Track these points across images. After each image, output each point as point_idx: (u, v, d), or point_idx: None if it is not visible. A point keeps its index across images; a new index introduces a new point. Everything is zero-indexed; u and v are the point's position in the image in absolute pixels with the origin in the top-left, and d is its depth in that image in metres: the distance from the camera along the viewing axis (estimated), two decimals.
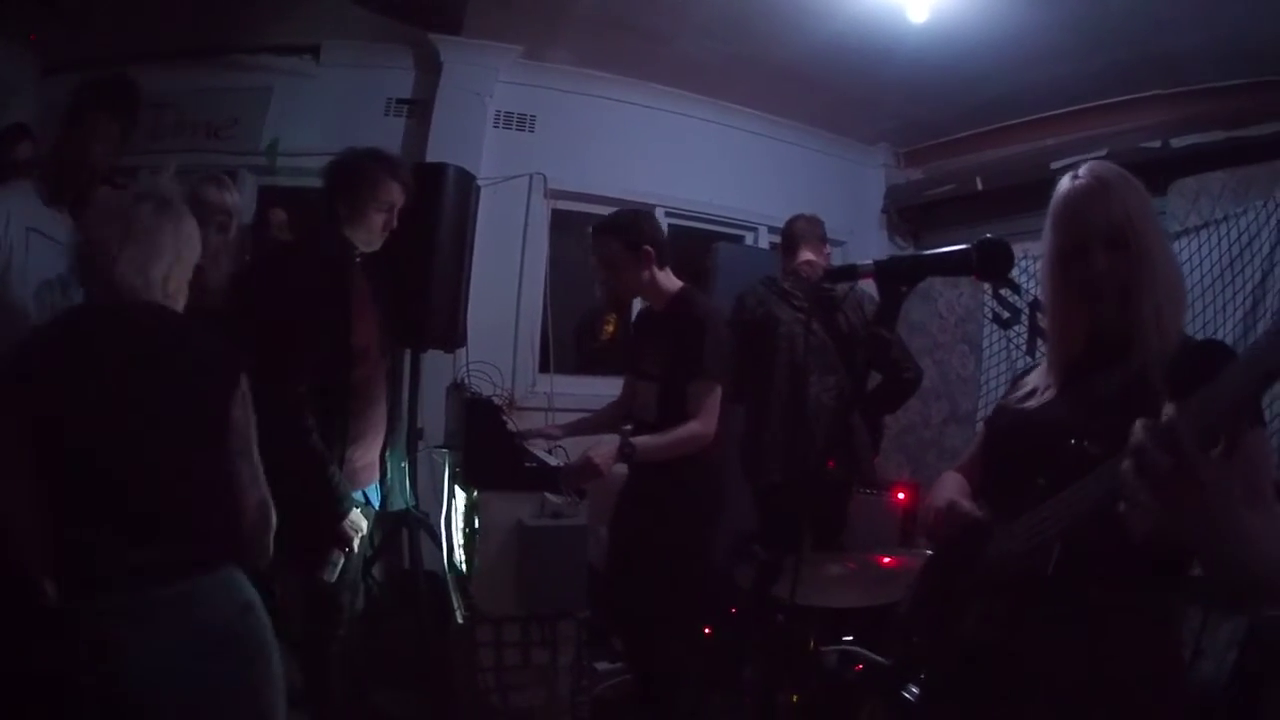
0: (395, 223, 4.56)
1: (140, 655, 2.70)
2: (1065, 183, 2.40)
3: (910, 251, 8.68)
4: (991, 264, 2.14)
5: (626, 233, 4.76)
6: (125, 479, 2.81)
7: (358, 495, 4.43)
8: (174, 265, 3.07)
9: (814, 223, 6.14)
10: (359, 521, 4.26)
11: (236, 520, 3.02)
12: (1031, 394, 2.53)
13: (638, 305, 5.27)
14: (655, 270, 4.79)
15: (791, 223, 6.18)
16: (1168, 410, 1.57)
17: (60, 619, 2.71)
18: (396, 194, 4.50)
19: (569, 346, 7.79)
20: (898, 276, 2.24)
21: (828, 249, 6.24)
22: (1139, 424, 1.60)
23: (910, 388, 5.95)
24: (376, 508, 4.79)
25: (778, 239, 7.97)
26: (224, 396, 2.99)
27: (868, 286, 2.97)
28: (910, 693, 3.02)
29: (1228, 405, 1.56)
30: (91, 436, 2.79)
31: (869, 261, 2.28)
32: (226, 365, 3.03)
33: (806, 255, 5.96)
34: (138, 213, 3.01)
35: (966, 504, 2.53)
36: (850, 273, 2.37)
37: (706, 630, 5.28)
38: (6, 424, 2.78)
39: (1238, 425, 1.58)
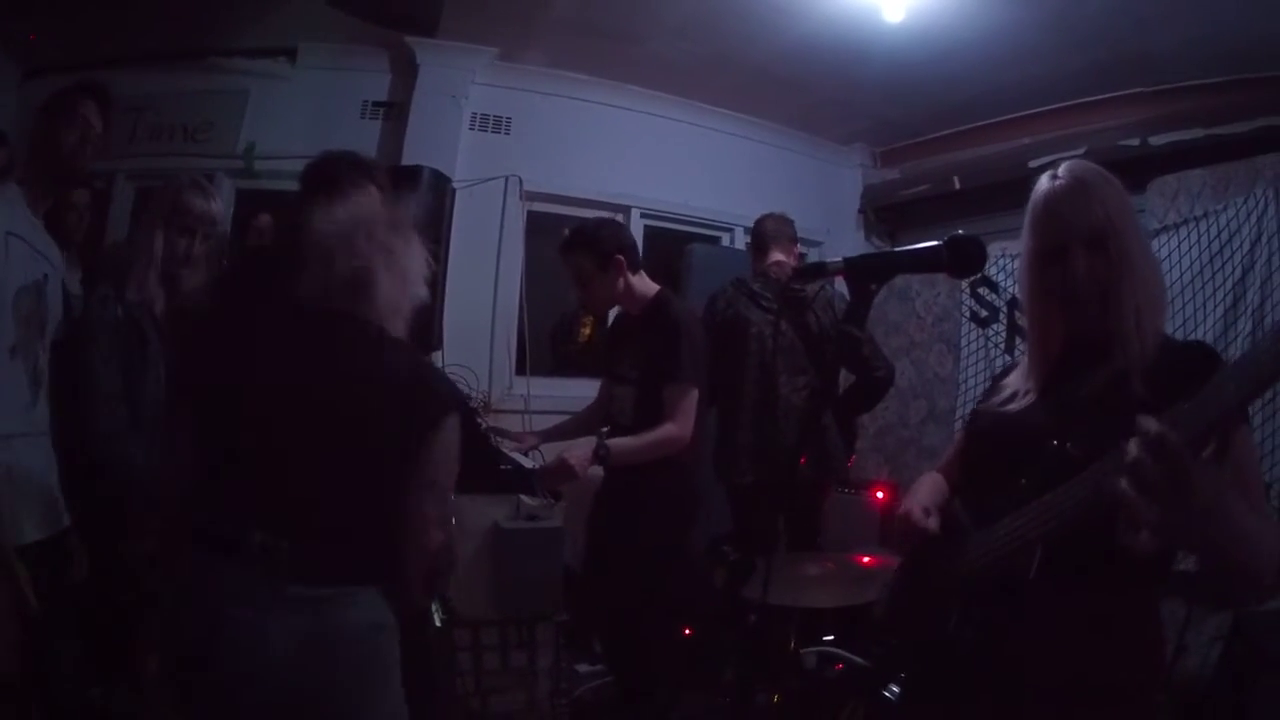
0: None
1: (246, 644, 2.67)
2: (1044, 183, 2.38)
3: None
4: (963, 261, 2.11)
5: (593, 246, 4.74)
6: (287, 476, 2.78)
7: None
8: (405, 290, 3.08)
9: (784, 222, 6.10)
10: None
11: (401, 550, 2.89)
12: (1011, 397, 2.51)
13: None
14: (629, 277, 4.76)
15: (761, 223, 6.14)
16: (1145, 422, 1.55)
17: (188, 590, 2.77)
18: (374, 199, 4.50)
19: (544, 348, 7.76)
20: (868, 274, 2.22)
21: (798, 249, 6.22)
22: (1133, 442, 1.58)
23: (883, 386, 5.95)
24: None
25: None
26: (419, 432, 2.90)
27: (842, 286, 2.97)
28: (891, 692, 3.02)
29: (1220, 412, 1.57)
30: (268, 429, 2.79)
31: (839, 259, 2.26)
32: (430, 404, 2.96)
33: (777, 256, 5.93)
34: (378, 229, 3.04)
35: (919, 515, 2.51)
36: (820, 270, 2.36)
37: (686, 631, 5.28)
38: (187, 388, 3.00)
39: (1229, 429, 1.58)
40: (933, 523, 2.49)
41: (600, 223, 5.01)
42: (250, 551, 2.69)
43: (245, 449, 2.80)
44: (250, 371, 2.85)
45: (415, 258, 3.07)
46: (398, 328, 3.01)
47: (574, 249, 4.80)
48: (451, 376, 6.09)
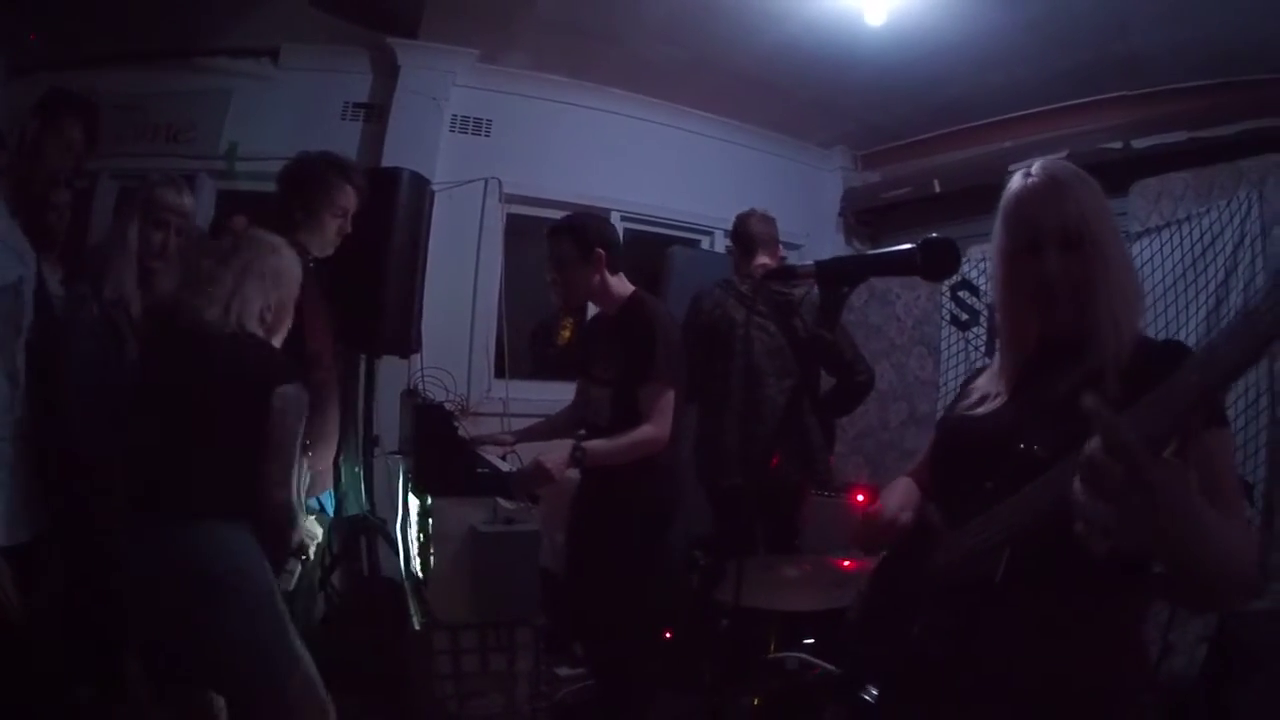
0: (349, 227, 4.59)
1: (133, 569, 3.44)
2: (1017, 180, 2.34)
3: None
4: (937, 264, 2.10)
5: (578, 234, 4.74)
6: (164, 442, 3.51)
7: (312, 503, 4.44)
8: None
9: (768, 222, 6.06)
10: (313, 529, 4.25)
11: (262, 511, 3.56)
12: (981, 400, 2.47)
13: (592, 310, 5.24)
14: (606, 274, 4.76)
15: (745, 222, 6.10)
16: (1095, 407, 1.51)
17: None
18: (351, 199, 4.56)
19: (523, 351, 7.74)
20: (839, 277, 2.21)
21: (781, 250, 6.21)
22: (1091, 441, 1.54)
23: (863, 390, 5.95)
24: (331, 514, 4.78)
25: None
26: (257, 402, 3.49)
27: None
28: (870, 694, 3.00)
29: (1179, 407, 1.52)
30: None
31: (809, 263, 2.25)
32: (260, 375, 3.55)
33: (762, 259, 5.90)
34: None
35: (890, 512, 2.51)
36: (790, 273, 2.34)
37: (667, 634, 5.27)
38: None
39: (1188, 426, 1.54)
40: (905, 515, 2.48)
41: (593, 215, 5.10)
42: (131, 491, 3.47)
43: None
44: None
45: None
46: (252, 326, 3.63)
47: (560, 231, 4.81)
48: (430, 380, 6.10)
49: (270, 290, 3.68)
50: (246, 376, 3.50)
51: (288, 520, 3.62)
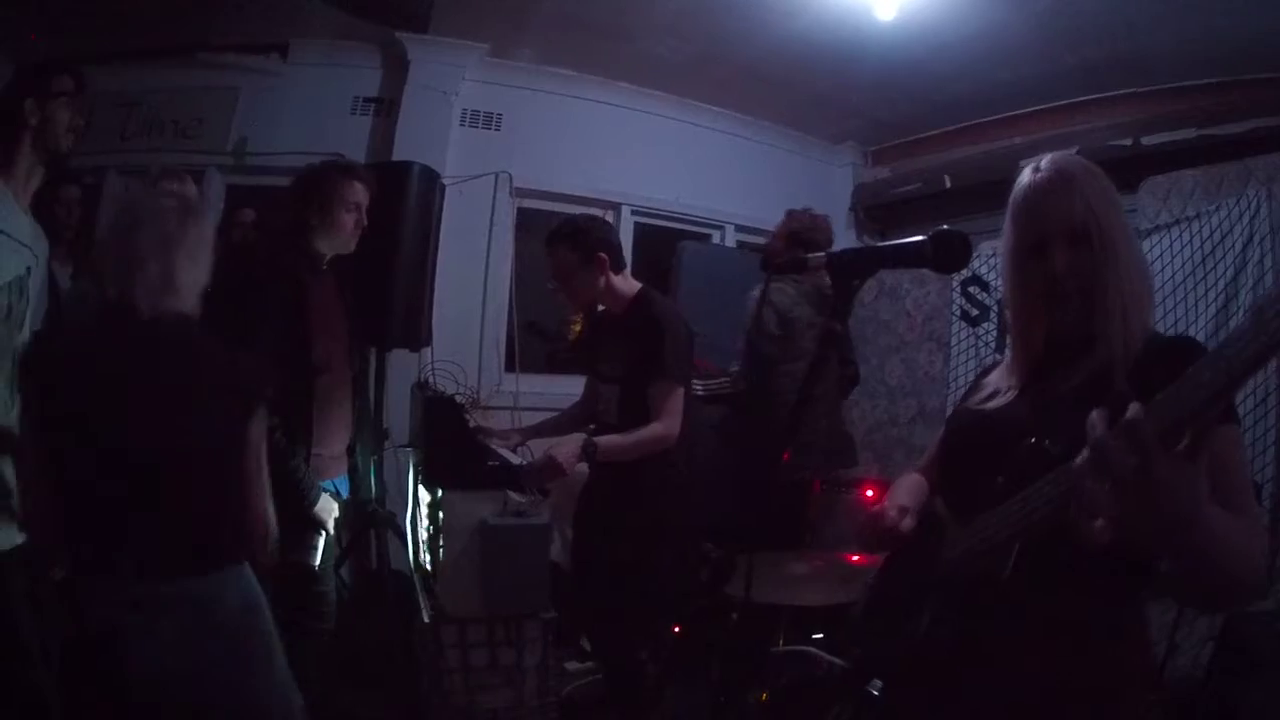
0: (365, 221, 4.61)
1: (143, 644, 2.92)
2: (1026, 175, 2.34)
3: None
4: (947, 256, 2.08)
5: (577, 241, 4.75)
6: (144, 481, 2.99)
7: (328, 485, 4.52)
8: (201, 273, 3.28)
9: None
10: (330, 505, 4.39)
11: (247, 528, 3.25)
12: (992, 395, 2.47)
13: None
14: (610, 275, 4.77)
15: (820, 222, 6.29)
16: (1133, 409, 1.49)
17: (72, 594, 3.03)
18: (360, 193, 4.59)
19: (523, 335, 7.73)
20: (851, 269, 2.19)
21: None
22: (1094, 415, 1.53)
23: (853, 384, 6.02)
24: (346, 498, 4.82)
25: (744, 238, 8.02)
26: (244, 416, 3.20)
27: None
28: (876, 688, 3.01)
29: (1196, 403, 1.47)
30: (117, 436, 2.98)
31: (821, 253, 2.24)
32: (248, 388, 3.24)
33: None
34: (167, 218, 3.20)
35: (893, 515, 2.48)
36: (801, 264, 2.34)
37: (675, 629, 5.27)
38: (31, 407, 3.07)
39: (1204, 423, 1.52)
40: (907, 523, 2.47)
41: (586, 219, 5.04)
42: (119, 559, 2.98)
43: (101, 465, 2.99)
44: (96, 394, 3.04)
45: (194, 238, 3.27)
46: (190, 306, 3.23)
47: (558, 242, 4.81)
48: (440, 373, 6.11)
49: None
50: (232, 384, 3.21)
51: (269, 532, 3.38)
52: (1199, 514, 1.55)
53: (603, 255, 4.71)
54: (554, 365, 7.80)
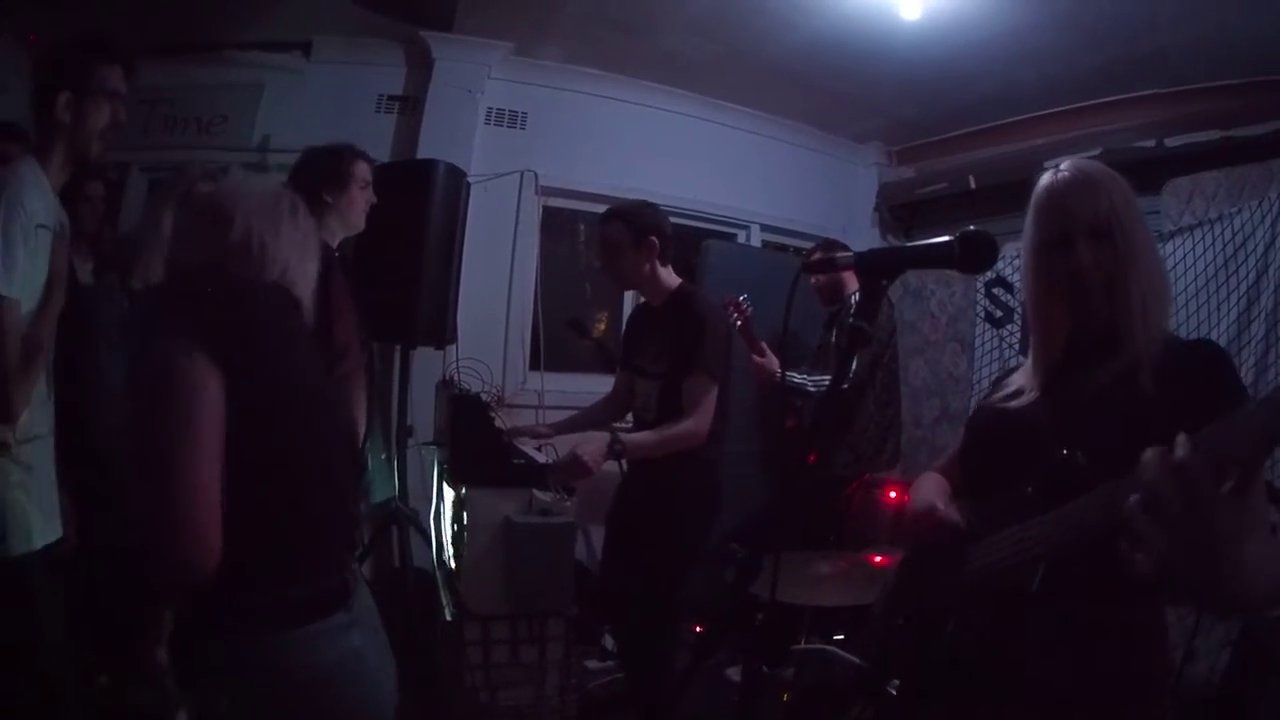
0: (374, 198, 4.65)
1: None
2: (1047, 176, 2.36)
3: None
4: (974, 256, 2.08)
5: (633, 219, 4.77)
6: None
7: None
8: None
9: None
10: None
11: None
12: (1015, 394, 2.48)
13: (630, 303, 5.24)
14: (657, 264, 4.79)
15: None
16: (1180, 443, 1.46)
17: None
18: (365, 169, 4.63)
19: (558, 342, 7.73)
20: (879, 269, 2.20)
21: None
22: (1148, 455, 1.49)
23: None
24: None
25: (769, 237, 8.03)
26: None
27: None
28: (894, 688, 3.01)
29: (1248, 445, 1.47)
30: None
31: (849, 253, 2.24)
32: None
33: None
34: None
35: (944, 509, 2.46)
36: (830, 264, 2.34)
37: (696, 628, 5.28)
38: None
39: (1254, 464, 1.51)
40: (947, 511, 2.45)
41: (649, 203, 5.04)
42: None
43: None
44: None
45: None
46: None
47: (613, 218, 4.84)
48: (465, 371, 6.13)
49: None
50: None
51: None
52: (1235, 549, 1.51)
53: (654, 240, 4.73)
54: (581, 364, 7.80)
